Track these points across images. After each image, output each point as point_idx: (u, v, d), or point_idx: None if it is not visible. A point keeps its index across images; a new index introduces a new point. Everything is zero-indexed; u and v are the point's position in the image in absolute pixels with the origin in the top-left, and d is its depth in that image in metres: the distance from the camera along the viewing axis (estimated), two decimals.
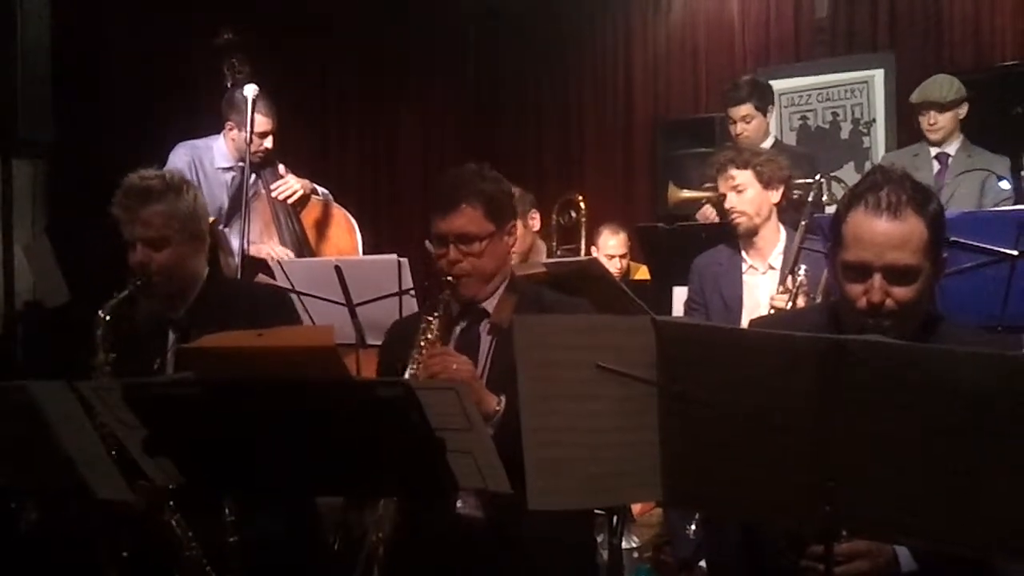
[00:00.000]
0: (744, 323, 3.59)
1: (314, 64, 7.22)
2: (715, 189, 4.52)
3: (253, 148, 4.66)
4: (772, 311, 3.41)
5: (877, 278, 2.06)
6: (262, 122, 4.65)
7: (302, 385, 1.87)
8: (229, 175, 4.82)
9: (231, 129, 4.76)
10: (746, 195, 3.70)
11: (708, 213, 4.69)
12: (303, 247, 4.78)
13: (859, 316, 2.08)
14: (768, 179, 3.70)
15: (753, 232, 3.73)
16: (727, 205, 3.74)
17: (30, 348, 4.87)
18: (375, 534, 2.43)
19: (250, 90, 4.56)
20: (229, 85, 4.70)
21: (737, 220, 3.71)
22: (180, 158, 4.71)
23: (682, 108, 7.11)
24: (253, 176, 4.71)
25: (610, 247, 5.65)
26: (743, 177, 3.70)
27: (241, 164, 4.71)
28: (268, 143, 4.70)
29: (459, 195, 2.61)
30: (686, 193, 4.89)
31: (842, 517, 1.76)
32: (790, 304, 3.37)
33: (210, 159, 4.81)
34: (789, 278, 3.47)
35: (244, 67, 4.70)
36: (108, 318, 2.74)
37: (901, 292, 2.06)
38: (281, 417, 1.90)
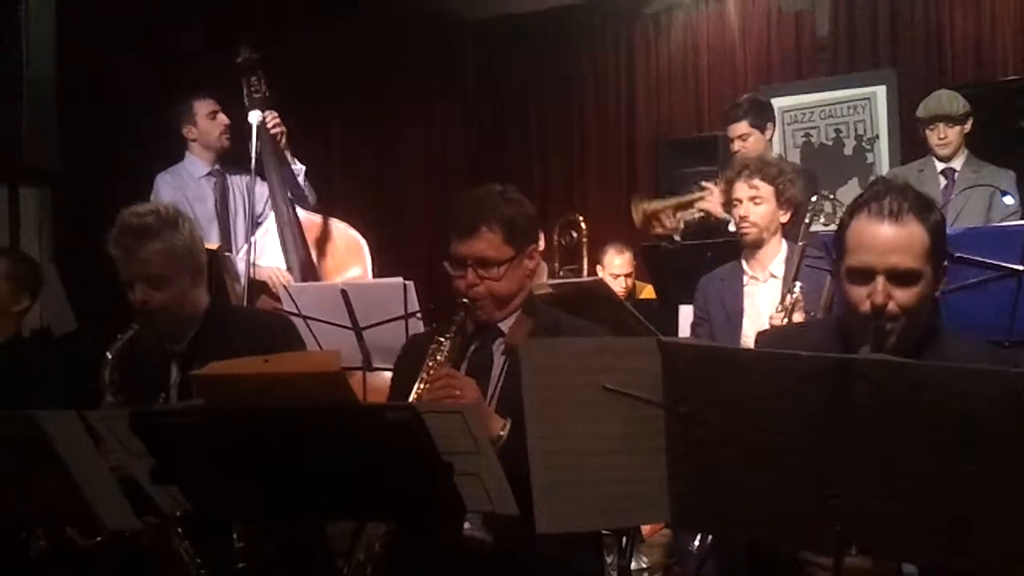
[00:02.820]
0: (746, 331, 3.63)
1: (314, 86, 7.25)
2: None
3: (218, 133, 4.79)
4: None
5: (880, 281, 2.09)
6: (209, 104, 4.79)
7: (309, 411, 1.87)
8: (211, 180, 4.87)
9: (189, 132, 4.85)
10: (760, 208, 3.69)
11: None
12: (307, 270, 4.79)
13: (862, 320, 2.11)
14: (786, 200, 3.70)
15: (758, 244, 3.73)
16: (741, 212, 3.72)
17: (38, 376, 4.87)
18: (361, 554, 2.43)
19: (254, 116, 4.60)
20: (247, 103, 4.70)
21: (747, 230, 3.70)
22: (165, 187, 4.77)
23: (684, 127, 7.13)
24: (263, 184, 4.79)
25: (615, 266, 5.66)
26: (765, 190, 3.69)
27: (217, 167, 4.83)
28: (223, 119, 4.82)
29: (479, 219, 2.57)
30: (656, 203, 4.87)
31: (851, 536, 1.75)
32: (786, 321, 3.38)
33: (188, 175, 4.86)
34: (788, 296, 3.48)
35: (262, 86, 4.73)
36: (114, 359, 2.72)
37: (903, 295, 2.10)
38: (289, 443, 1.90)
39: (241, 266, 4.58)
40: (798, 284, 3.47)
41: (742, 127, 4.81)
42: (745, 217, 3.70)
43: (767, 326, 3.36)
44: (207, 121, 4.84)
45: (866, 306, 2.10)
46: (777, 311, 3.46)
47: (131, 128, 6.12)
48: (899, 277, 2.09)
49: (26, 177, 4.56)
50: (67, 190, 5.84)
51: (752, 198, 3.70)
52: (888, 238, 2.10)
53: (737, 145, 4.82)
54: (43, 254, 5.86)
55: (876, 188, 2.18)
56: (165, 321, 2.84)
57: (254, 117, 4.60)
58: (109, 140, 6.03)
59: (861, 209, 2.15)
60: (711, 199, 4.68)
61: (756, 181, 3.70)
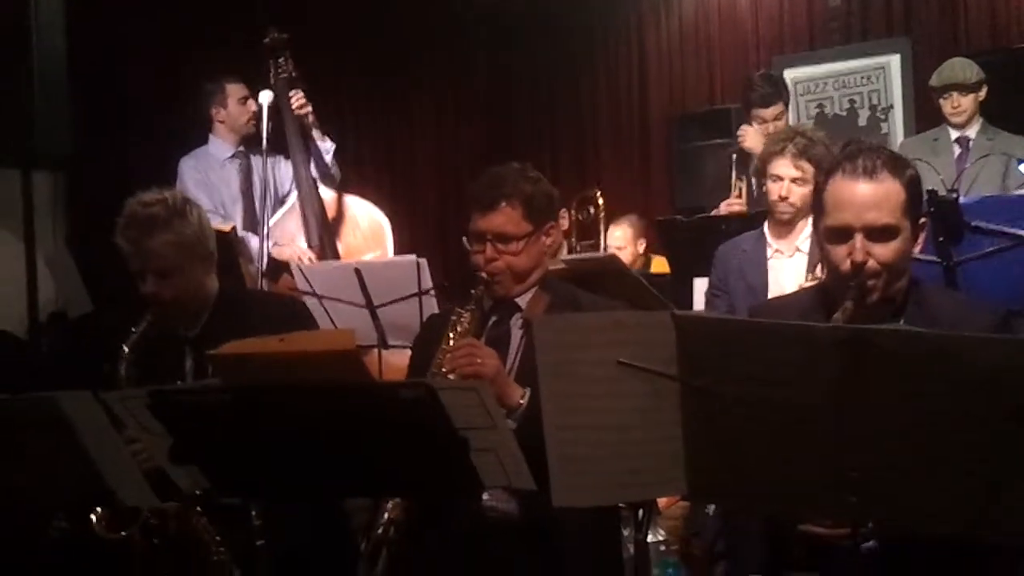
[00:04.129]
0: None
1: (325, 70, 7.23)
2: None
3: (246, 119, 4.82)
4: None
5: (858, 238, 2.13)
6: (241, 88, 4.83)
7: (325, 389, 1.88)
8: (236, 162, 4.92)
9: (217, 113, 4.89)
10: (803, 189, 3.56)
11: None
12: (328, 250, 4.83)
13: (843, 279, 2.14)
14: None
15: (793, 223, 3.67)
16: (782, 192, 3.59)
17: (55, 359, 4.90)
18: (385, 515, 2.46)
19: (265, 97, 4.65)
20: (272, 84, 4.77)
21: (784, 210, 3.61)
22: (189, 171, 4.80)
23: (697, 100, 7.09)
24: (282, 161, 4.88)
25: (615, 238, 5.66)
26: (810, 174, 3.54)
27: (241, 149, 4.88)
28: (252, 106, 4.83)
29: (499, 194, 2.63)
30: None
31: (868, 508, 1.75)
32: None
33: (214, 158, 4.91)
34: (818, 267, 3.43)
35: (289, 66, 4.78)
36: (129, 352, 2.73)
37: (882, 251, 2.13)
38: (305, 421, 1.91)
39: (255, 245, 4.61)
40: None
41: (778, 108, 4.73)
42: (785, 198, 3.59)
43: None
44: (238, 105, 4.87)
45: (847, 265, 2.14)
46: (808, 280, 3.41)
47: (144, 109, 6.13)
48: (877, 233, 2.13)
49: (38, 161, 4.56)
50: (80, 173, 5.86)
51: (795, 179, 3.58)
52: (864, 195, 2.14)
53: (772, 127, 4.70)
54: (57, 237, 5.90)
55: (849, 149, 2.22)
56: (178, 310, 2.84)
57: (264, 97, 4.64)
58: (122, 122, 6.03)
59: (836, 170, 2.19)
60: (751, 137, 4.63)
61: (803, 163, 3.58)
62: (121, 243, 2.79)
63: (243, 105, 4.88)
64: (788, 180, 3.60)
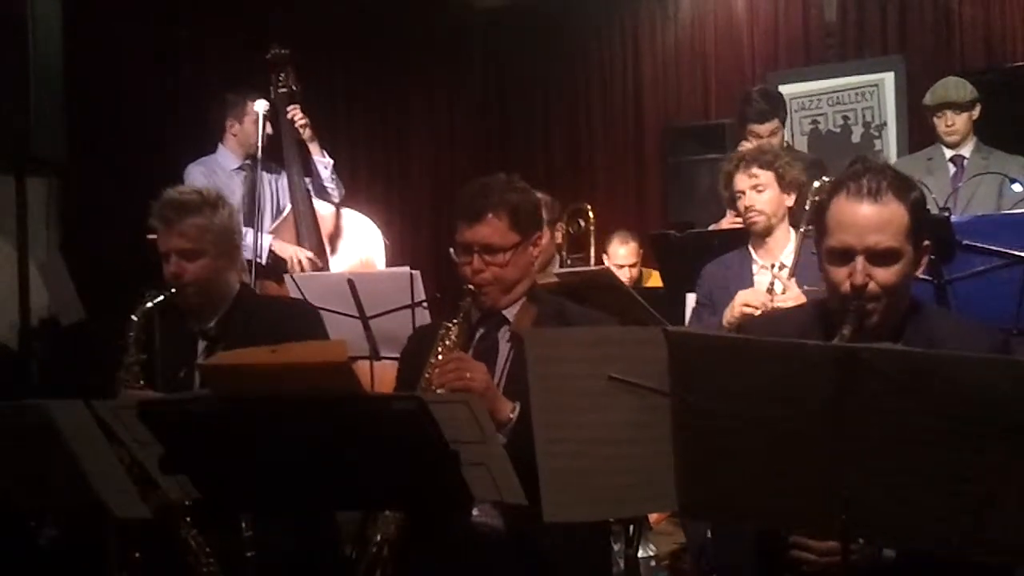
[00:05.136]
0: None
1: (321, 77, 7.24)
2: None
3: (256, 139, 4.83)
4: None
5: (859, 261, 2.10)
6: (263, 105, 4.85)
7: (317, 401, 1.88)
8: (242, 174, 4.98)
9: (232, 126, 4.96)
10: (764, 195, 3.66)
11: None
12: (320, 262, 4.86)
13: (843, 300, 2.12)
14: (788, 183, 3.68)
15: (767, 233, 3.71)
16: (746, 203, 3.69)
17: (46, 366, 4.89)
18: (378, 535, 2.45)
19: (260, 105, 4.70)
20: (272, 97, 4.88)
21: (754, 219, 3.67)
22: (197, 176, 4.84)
23: (692, 114, 7.10)
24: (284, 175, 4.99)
25: (620, 257, 5.65)
26: (765, 177, 3.66)
27: (248, 162, 4.93)
28: (268, 128, 4.88)
29: (485, 205, 2.61)
30: None
31: (858, 525, 1.75)
32: (769, 304, 3.36)
33: (221, 167, 4.98)
34: (778, 284, 3.46)
35: (289, 81, 4.90)
36: (140, 320, 2.82)
37: (883, 274, 2.11)
38: (296, 432, 1.91)
39: (248, 254, 4.63)
40: (784, 268, 3.46)
41: (772, 125, 4.75)
42: (751, 207, 3.67)
43: None
44: (253, 124, 4.90)
45: (846, 286, 2.11)
46: (767, 296, 3.44)
47: (139, 117, 6.12)
48: (879, 256, 2.10)
49: (33, 166, 4.56)
50: (74, 180, 5.85)
51: (754, 187, 3.67)
52: (867, 218, 2.10)
53: (766, 144, 4.72)
54: (50, 244, 5.88)
55: (855, 168, 2.19)
56: (195, 296, 2.92)
57: (260, 106, 4.70)
58: (117, 129, 6.03)
59: (840, 189, 2.15)
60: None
61: (754, 169, 3.68)
62: (153, 223, 2.94)
63: (257, 124, 4.92)
64: (748, 190, 3.68)
